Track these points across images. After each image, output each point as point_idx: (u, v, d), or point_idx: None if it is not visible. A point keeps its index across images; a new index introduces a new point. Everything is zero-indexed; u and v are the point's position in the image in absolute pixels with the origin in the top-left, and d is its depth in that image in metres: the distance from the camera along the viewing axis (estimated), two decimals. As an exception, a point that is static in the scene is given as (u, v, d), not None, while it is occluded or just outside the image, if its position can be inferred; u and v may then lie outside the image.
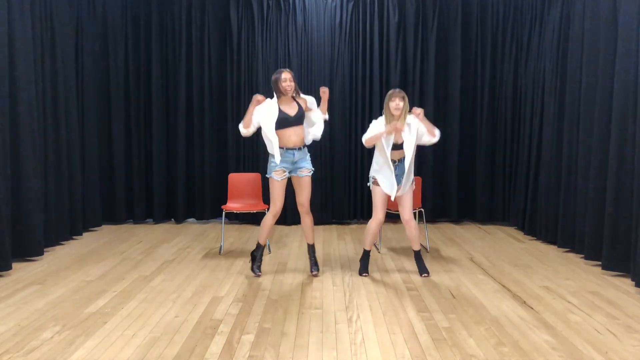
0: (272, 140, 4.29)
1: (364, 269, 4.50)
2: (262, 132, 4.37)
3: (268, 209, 5.51)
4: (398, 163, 4.33)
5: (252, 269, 4.48)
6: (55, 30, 5.47)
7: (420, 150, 6.82)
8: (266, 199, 6.05)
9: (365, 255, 4.55)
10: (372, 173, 4.42)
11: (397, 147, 4.30)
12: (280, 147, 4.32)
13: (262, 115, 4.33)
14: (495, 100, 6.82)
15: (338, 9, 6.66)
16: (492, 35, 6.75)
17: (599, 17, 4.75)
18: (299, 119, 4.37)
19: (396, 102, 4.23)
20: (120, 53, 6.64)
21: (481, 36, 6.77)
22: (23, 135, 4.81)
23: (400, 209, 4.44)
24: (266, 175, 4.45)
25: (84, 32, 6.14)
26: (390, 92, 4.34)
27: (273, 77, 4.36)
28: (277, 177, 4.34)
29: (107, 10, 6.51)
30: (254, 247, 5.51)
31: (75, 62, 5.99)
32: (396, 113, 4.25)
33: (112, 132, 6.66)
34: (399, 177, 4.32)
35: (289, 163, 4.37)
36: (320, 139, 6.75)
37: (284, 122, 4.29)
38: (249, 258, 4.64)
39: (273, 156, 4.33)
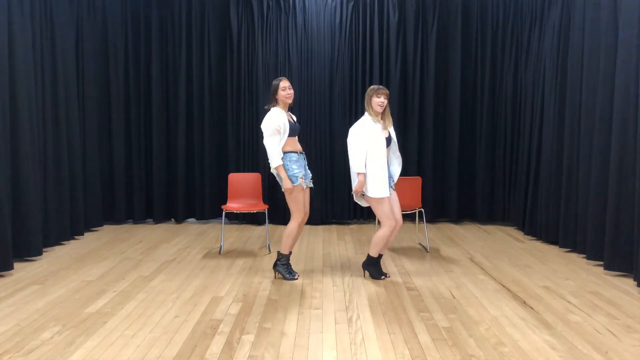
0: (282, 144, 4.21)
1: (381, 273, 4.39)
2: (273, 140, 4.18)
3: (267, 210, 5.56)
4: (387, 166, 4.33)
5: (285, 277, 4.34)
6: (55, 30, 5.47)
7: (421, 150, 6.86)
8: (266, 199, 6.08)
9: (373, 260, 4.39)
10: (378, 195, 4.16)
11: (387, 144, 4.26)
12: (294, 152, 4.26)
13: (282, 124, 4.19)
14: (495, 99, 6.82)
15: (338, 9, 6.66)
16: (492, 35, 6.75)
17: (599, 17, 4.75)
18: (298, 129, 4.39)
19: (381, 99, 4.23)
20: (120, 53, 6.64)
21: (481, 36, 6.77)
22: (23, 135, 4.81)
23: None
24: (287, 187, 4.19)
25: (84, 32, 6.14)
26: (375, 87, 4.31)
27: (272, 85, 4.30)
28: (303, 184, 4.25)
29: (107, 10, 6.52)
30: (254, 247, 5.54)
31: (75, 62, 5.99)
32: (379, 110, 4.24)
33: (112, 132, 6.67)
34: (389, 180, 4.32)
35: (303, 168, 4.32)
36: (321, 138, 6.83)
37: (291, 130, 4.26)
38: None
39: (289, 164, 4.20)
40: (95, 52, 6.41)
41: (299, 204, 4.25)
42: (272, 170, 4.28)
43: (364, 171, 4.19)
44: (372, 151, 4.18)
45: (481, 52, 6.78)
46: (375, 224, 6.17)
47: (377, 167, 4.18)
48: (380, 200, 4.20)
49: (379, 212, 4.24)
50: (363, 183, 4.19)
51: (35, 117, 5.04)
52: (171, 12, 6.72)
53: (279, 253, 4.38)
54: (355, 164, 4.19)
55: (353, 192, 4.27)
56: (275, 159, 4.17)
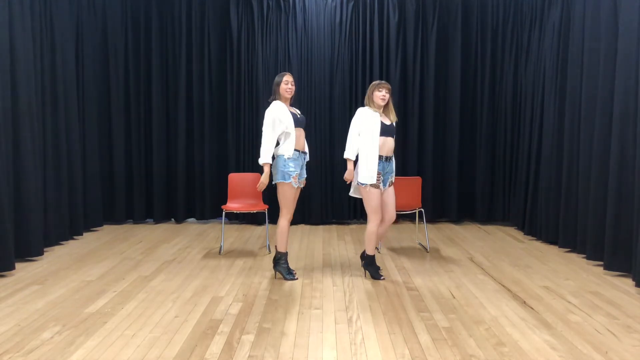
0: (291, 139, 4.20)
1: (378, 273, 4.37)
2: (268, 137, 4.21)
3: (267, 210, 5.57)
4: (390, 161, 4.33)
5: (285, 277, 4.33)
6: (55, 30, 5.47)
7: (421, 150, 6.86)
8: (266, 200, 6.07)
9: (372, 260, 4.41)
10: (362, 180, 4.22)
11: (386, 131, 4.27)
12: (295, 150, 4.26)
13: (281, 115, 4.21)
14: (495, 99, 6.83)
15: (338, 9, 6.67)
16: (492, 35, 6.76)
17: (599, 17, 4.76)
18: (304, 121, 4.40)
19: (383, 92, 4.27)
20: (120, 53, 6.64)
21: (481, 36, 6.77)
22: (23, 135, 4.81)
23: (387, 208, 4.34)
24: (277, 181, 4.24)
25: (84, 32, 6.14)
26: (376, 82, 4.35)
27: (276, 79, 4.33)
28: (295, 184, 4.24)
29: (107, 10, 6.52)
30: (254, 247, 5.54)
31: (76, 62, 5.99)
32: (381, 103, 4.27)
33: (113, 132, 6.67)
34: (387, 175, 4.34)
35: (300, 168, 4.33)
36: (321, 138, 6.83)
37: (295, 122, 4.25)
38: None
39: (287, 161, 4.21)
40: (95, 52, 6.41)
41: (288, 201, 4.26)
42: (273, 169, 4.31)
43: (352, 158, 4.31)
44: (366, 137, 4.23)
45: (481, 52, 6.78)
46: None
47: (368, 153, 4.21)
48: (368, 192, 4.21)
49: (366, 205, 4.27)
50: (350, 170, 4.33)
51: (35, 117, 5.04)
52: (171, 12, 6.72)
53: (278, 252, 4.38)
54: (346, 149, 4.33)
55: (344, 179, 4.40)
56: (264, 155, 4.19)
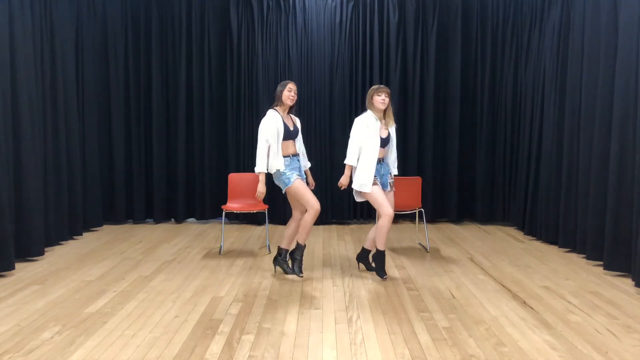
0: (278, 153, 4.27)
1: (383, 271, 4.38)
2: (262, 147, 4.28)
3: (267, 210, 5.57)
4: (382, 162, 4.40)
5: (294, 270, 4.38)
6: (55, 30, 5.47)
7: (421, 150, 6.87)
8: (266, 200, 6.06)
9: (382, 256, 4.40)
10: (359, 188, 4.27)
11: (383, 142, 4.36)
12: (286, 156, 4.32)
13: (272, 129, 4.25)
14: (495, 100, 6.82)
15: (338, 9, 6.67)
16: (492, 35, 6.75)
17: (599, 17, 4.75)
18: (296, 133, 4.44)
19: (382, 96, 4.31)
20: (120, 53, 6.64)
21: (481, 36, 6.77)
22: (23, 135, 4.81)
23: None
24: (285, 190, 4.31)
25: (84, 32, 6.14)
26: (375, 86, 4.41)
27: (279, 87, 4.37)
28: (296, 179, 4.26)
29: (107, 10, 6.52)
30: (254, 247, 5.54)
31: (75, 62, 5.99)
32: (381, 107, 4.31)
33: (112, 132, 6.67)
34: (384, 177, 4.41)
35: (297, 170, 4.37)
36: (321, 138, 6.83)
37: (286, 134, 4.31)
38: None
39: (283, 172, 4.26)
40: (95, 52, 6.41)
41: (304, 196, 4.27)
42: (274, 176, 4.38)
43: (353, 164, 4.34)
44: (365, 146, 4.28)
45: (481, 52, 6.78)
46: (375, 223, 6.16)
47: (365, 162, 4.27)
48: (369, 192, 4.26)
49: (373, 203, 4.31)
50: (347, 176, 4.36)
51: (35, 117, 5.04)
52: (171, 13, 6.72)
53: (298, 244, 4.39)
54: (347, 155, 4.34)
55: (338, 184, 4.42)
56: (258, 164, 4.29)
